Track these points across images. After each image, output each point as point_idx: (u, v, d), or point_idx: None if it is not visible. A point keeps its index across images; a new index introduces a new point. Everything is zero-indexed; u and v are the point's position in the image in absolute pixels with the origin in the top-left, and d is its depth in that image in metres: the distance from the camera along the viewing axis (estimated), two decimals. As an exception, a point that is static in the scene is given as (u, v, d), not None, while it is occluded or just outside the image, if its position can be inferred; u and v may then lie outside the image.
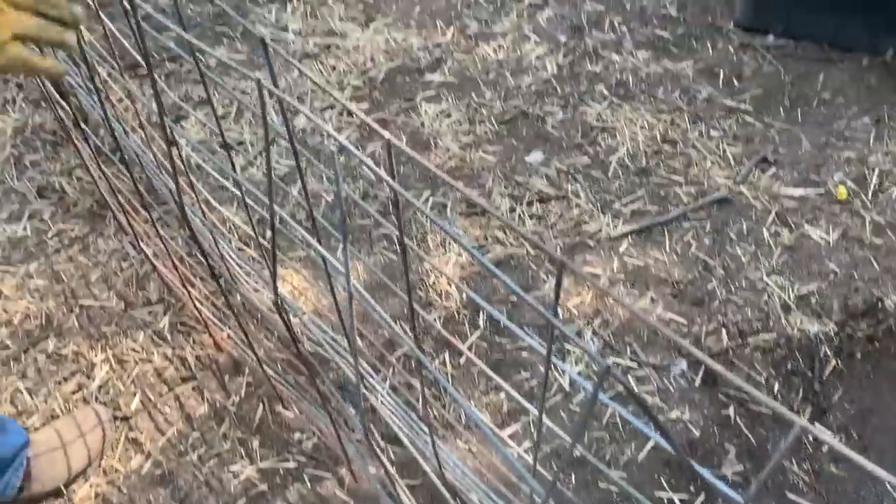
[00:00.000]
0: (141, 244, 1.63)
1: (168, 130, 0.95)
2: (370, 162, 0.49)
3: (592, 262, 1.86)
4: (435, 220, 0.47)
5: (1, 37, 0.77)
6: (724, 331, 1.72)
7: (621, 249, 1.89)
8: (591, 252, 1.88)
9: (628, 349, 1.68)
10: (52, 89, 2.09)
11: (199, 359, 1.66)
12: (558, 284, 0.70)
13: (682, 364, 1.66)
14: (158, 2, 2.57)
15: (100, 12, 1.00)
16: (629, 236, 1.91)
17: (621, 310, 1.77)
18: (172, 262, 1.76)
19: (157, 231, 1.46)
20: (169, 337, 1.69)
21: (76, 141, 1.72)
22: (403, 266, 0.63)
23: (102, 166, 1.98)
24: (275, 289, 1.08)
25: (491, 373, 0.63)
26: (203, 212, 1.30)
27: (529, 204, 1.98)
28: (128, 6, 0.88)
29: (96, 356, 1.65)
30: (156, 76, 0.84)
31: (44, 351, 1.67)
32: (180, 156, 1.14)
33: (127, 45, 1.11)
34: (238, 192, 1.52)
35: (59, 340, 1.69)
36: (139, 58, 0.92)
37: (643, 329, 1.72)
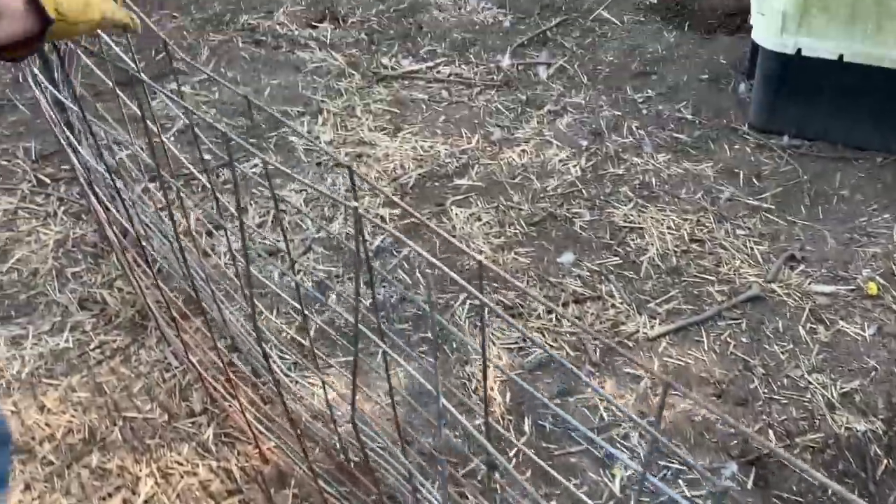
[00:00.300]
0: (186, 355, 1.65)
1: (233, 234, 0.98)
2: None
3: (632, 363, 1.87)
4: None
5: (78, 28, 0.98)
6: (770, 431, 1.71)
7: (660, 349, 1.90)
8: (631, 353, 1.89)
9: (677, 452, 1.67)
10: (95, 201, 2.15)
11: (245, 471, 1.64)
12: (661, 406, 0.72)
13: (733, 467, 1.64)
14: (205, 116, 2.68)
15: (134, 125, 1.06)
16: (667, 336, 1.92)
17: (667, 411, 1.76)
18: (224, 370, 1.77)
19: (212, 340, 1.47)
20: (214, 449, 1.68)
21: (118, 252, 1.77)
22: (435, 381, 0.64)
23: (142, 276, 2.02)
24: (353, 405, 1.09)
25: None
26: (254, 320, 1.33)
27: (565, 305, 2.01)
28: (152, 127, 0.95)
29: (141, 470, 1.64)
30: (202, 185, 0.88)
31: (87, 466, 1.66)
32: (239, 264, 1.17)
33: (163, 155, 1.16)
34: (284, 296, 1.55)
35: (102, 455, 1.68)
36: (158, 170, 0.98)
37: (690, 431, 1.71)
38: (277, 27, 3.27)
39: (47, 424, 1.74)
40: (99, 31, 1.06)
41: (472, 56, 3.08)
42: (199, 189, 2.44)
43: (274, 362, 1.72)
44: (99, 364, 1.88)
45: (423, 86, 2.95)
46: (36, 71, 1.95)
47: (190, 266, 1.85)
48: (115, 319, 1.99)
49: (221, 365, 1.81)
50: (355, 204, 0.81)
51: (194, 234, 2.21)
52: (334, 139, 2.62)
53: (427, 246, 2.22)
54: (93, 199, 2.13)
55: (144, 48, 3.03)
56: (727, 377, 1.82)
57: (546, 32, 3.21)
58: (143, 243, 1.91)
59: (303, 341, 1.93)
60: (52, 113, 2.05)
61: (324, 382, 1.27)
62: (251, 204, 2.35)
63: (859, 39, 2.32)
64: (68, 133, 2.08)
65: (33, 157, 2.51)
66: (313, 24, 3.32)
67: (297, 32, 3.25)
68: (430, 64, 3.04)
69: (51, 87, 1.99)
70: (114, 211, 2.14)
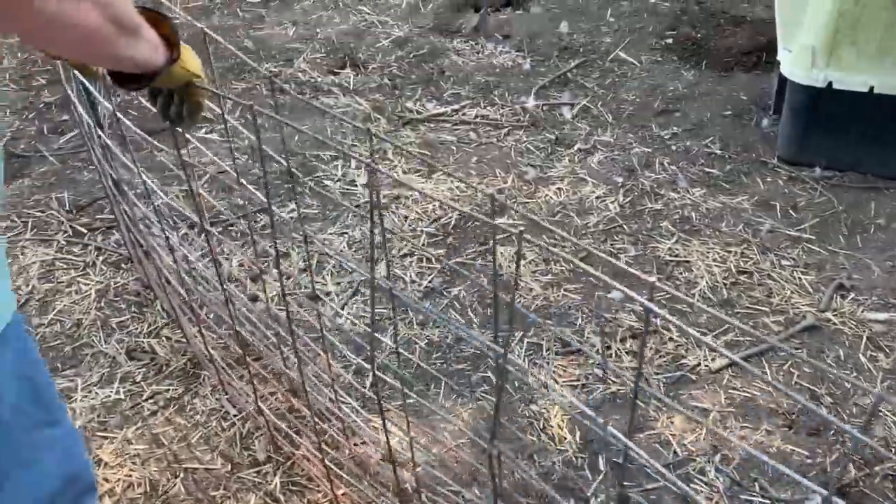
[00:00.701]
0: (256, 400, 1.61)
1: (316, 295, 0.96)
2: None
3: (698, 396, 1.85)
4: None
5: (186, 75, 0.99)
6: (847, 461, 1.68)
7: (724, 381, 1.88)
8: (695, 386, 1.87)
9: (756, 485, 1.64)
10: (139, 250, 2.12)
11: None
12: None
13: (817, 499, 1.61)
14: (236, 162, 2.67)
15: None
16: (729, 368, 1.91)
17: (739, 443, 1.73)
18: (297, 416, 1.73)
19: (274, 386, 1.44)
20: (282, 498, 1.63)
21: (163, 300, 1.73)
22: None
23: (192, 324, 1.98)
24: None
25: None
26: (329, 365, 1.30)
27: (623, 340, 1.99)
28: (183, 174, 0.94)
29: (208, 524, 1.58)
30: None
31: (152, 521, 1.60)
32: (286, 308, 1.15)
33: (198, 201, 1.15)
34: (334, 341, 1.50)
35: (166, 509, 1.62)
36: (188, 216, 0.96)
37: (766, 464, 1.68)
38: (299, 74, 3.30)
39: (106, 479, 1.68)
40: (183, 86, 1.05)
41: (496, 98, 3.12)
42: (238, 235, 2.42)
43: (343, 405, 1.68)
44: (153, 415, 1.83)
45: (450, 128, 2.96)
46: (86, 117, 1.94)
47: (239, 312, 1.82)
48: (165, 369, 1.94)
49: (283, 411, 1.76)
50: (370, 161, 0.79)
51: (239, 279, 2.18)
52: (370, 182, 2.61)
53: (475, 286, 2.20)
54: (137, 247, 2.10)
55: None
56: (795, 407, 1.81)
57: (566, 74, 3.25)
58: (187, 290, 1.88)
59: (360, 387, 1.89)
60: (98, 159, 2.04)
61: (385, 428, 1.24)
62: (293, 249, 2.33)
63: (889, 72, 2.36)
64: (112, 183, 2.06)
65: (67, 208, 2.48)
66: (334, 70, 3.35)
67: (319, 79, 3.27)
68: (456, 107, 3.07)
69: (101, 135, 1.98)
70: (157, 259, 2.12)
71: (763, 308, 2.08)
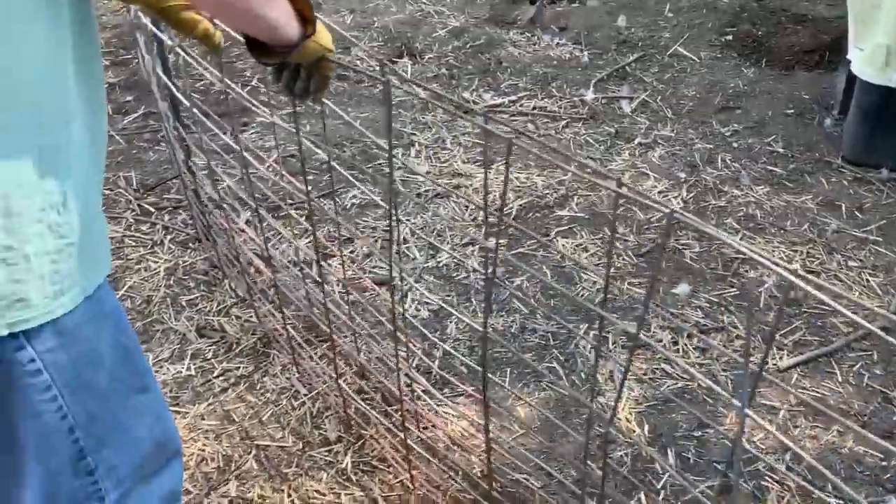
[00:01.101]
0: (337, 380, 1.63)
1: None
2: None
3: (767, 394, 1.83)
4: None
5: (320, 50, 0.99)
6: (922, 464, 1.67)
7: (792, 381, 1.87)
8: (764, 384, 1.86)
9: (829, 485, 1.63)
10: (210, 231, 2.15)
11: (389, 500, 1.61)
12: None
13: (893, 501, 1.60)
14: (287, 147, 2.70)
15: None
16: (798, 367, 1.89)
17: (811, 443, 1.72)
18: (344, 399, 1.75)
19: (345, 366, 1.45)
20: (354, 477, 1.65)
21: (231, 279, 1.75)
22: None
23: (261, 304, 2.01)
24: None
25: None
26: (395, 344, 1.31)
27: (690, 336, 1.98)
28: (247, 158, 0.95)
29: (282, 500, 1.61)
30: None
31: (226, 495, 1.63)
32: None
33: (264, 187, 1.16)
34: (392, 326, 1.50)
35: (240, 483, 1.65)
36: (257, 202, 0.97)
37: (839, 463, 1.67)
38: (357, 62, 3.32)
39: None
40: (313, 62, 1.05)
41: (554, 90, 3.11)
42: (304, 219, 2.44)
43: (415, 388, 1.69)
44: (224, 391, 1.86)
45: (507, 119, 2.96)
46: (164, 103, 1.97)
47: (305, 295, 1.84)
48: (235, 347, 1.97)
49: (352, 392, 1.78)
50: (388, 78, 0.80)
51: (305, 262, 2.20)
52: (430, 170, 2.63)
53: (535, 278, 2.20)
54: (207, 227, 2.14)
55: (233, 80, 3.07)
56: (867, 409, 1.79)
57: (625, 68, 3.23)
58: (257, 271, 1.91)
59: (432, 366, 1.91)
60: (173, 142, 2.07)
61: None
62: (358, 234, 2.35)
63: (965, 73, 2.32)
64: (183, 163, 2.09)
65: (135, 187, 2.53)
66: (392, 59, 3.36)
67: (377, 68, 3.29)
68: (513, 98, 3.07)
69: (173, 118, 2.01)
70: (229, 239, 2.15)
71: (830, 308, 2.06)
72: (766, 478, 1.65)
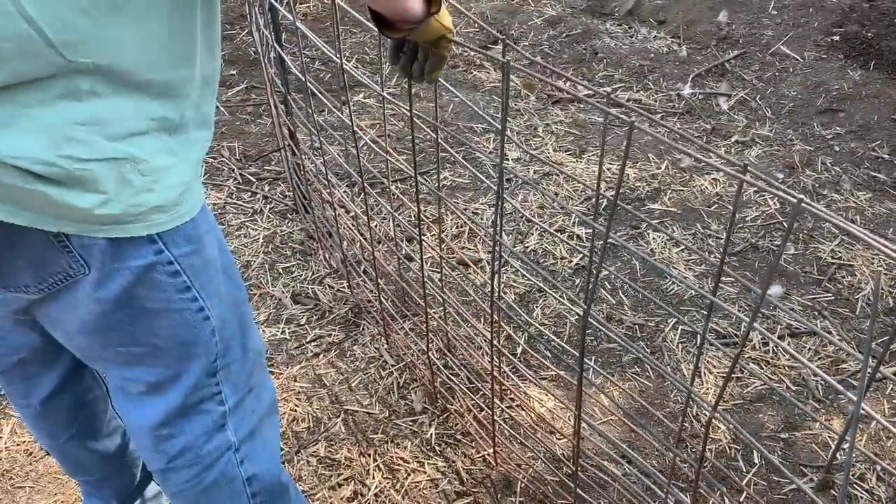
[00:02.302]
0: (428, 352, 1.67)
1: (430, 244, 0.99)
2: None
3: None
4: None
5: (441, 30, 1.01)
6: None
7: (888, 390, 1.82)
8: (856, 392, 1.81)
9: (922, 500, 1.59)
10: (309, 202, 2.23)
11: (471, 473, 1.65)
12: None
13: None
14: (394, 129, 2.75)
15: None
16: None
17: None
18: (432, 372, 1.79)
19: (428, 343, 1.49)
20: (437, 448, 1.70)
21: (325, 252, 1.82)
22: None
23: (356, 275, 2.07)
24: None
25: None
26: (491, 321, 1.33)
27: (781, 338, 1.95)
28: (351, 136, 0.97)
29: (368, 464, 1.67)
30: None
31: (315, 454, 1.70)
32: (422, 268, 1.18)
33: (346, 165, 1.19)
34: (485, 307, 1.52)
35: (329, 444, 1.72)
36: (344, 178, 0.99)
37: (933, 479, 1.62)
38: (452, 47, 3.35)
39: (273, 410, 1.79)
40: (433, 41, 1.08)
41: (650, 83, 3.08)
42: (393, 198, 2.50)
43: (503, 367, 1.72)
44: (316, 356, 1.94)
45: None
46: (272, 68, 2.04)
47: (395, 270, 1.89)
48: (328, 315, 2.05)
49: (440, 366, 1.83)
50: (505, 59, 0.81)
51: (395, 239, 2.26)
52: (521, 157, 2.65)
53: (626, 268, 2.20)
54: (306, 199, 2.21)
55: (328, 59, 3.16)
56: (967, 427, 1.73)
57: (724, 64, 3.17)
58: (352, 243, 1.96)
59: (513, 351, 1.94)
60: (279, 115, 2.15)
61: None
62: (447, 215, 2.39)
63: None
64: (288, 135, 2.17)
65: (237, 157, 2.64)
66: (487, 45, 3.38)
67: (472, 53, 3.32)
68: (608, 89, 3.05)
69: (282, 88, 2.09)
70: (326, 211, 2.21)
71: (933, 321, 1.99)
72: (856, 486, 1.62)
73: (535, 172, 2.57)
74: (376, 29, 1.02)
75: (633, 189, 2.50)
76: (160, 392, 0.96)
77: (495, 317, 1.54)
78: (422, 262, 1.57)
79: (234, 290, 0.99)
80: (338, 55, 1.46)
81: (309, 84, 1.73)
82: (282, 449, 1.71)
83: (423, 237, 1.54)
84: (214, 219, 0.99)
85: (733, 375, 1.87)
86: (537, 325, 1.99)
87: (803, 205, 0.85)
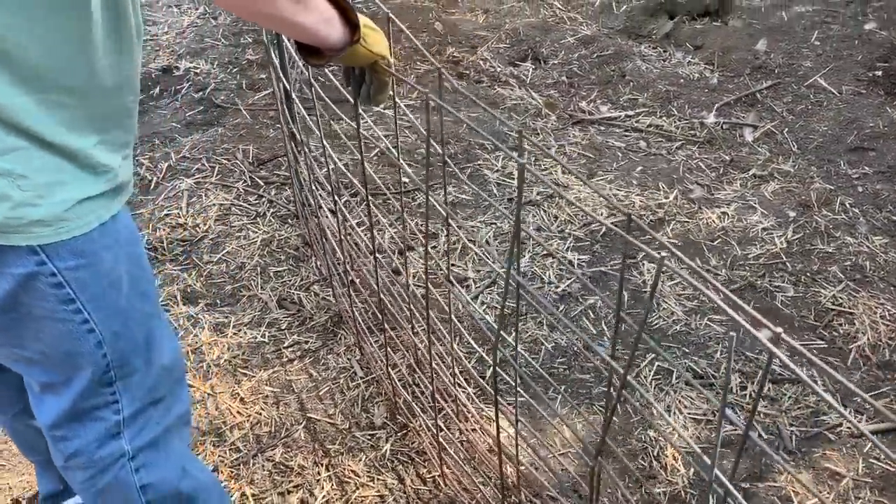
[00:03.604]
0: (387, 369, 1.69)
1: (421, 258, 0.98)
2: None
3: (833, 458, 1.72)
4: None
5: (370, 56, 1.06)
6: None
7: (865, 448, 1.74)
8: (832, 447, 1.74)
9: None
10: (304, 209, 2.26)
11: (419, 493, 1.65)
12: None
13: None
14: (404, 142, 2.78)
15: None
16: (876, 435, 1.76)
17: (870, 519, 1.60)
18: (394, 387, 1.80)
19: (395, 357, 1.50)
20: (391, 464, 1.71)
21: (317, 257, 1.84)
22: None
23: (338, 284, 2.10)
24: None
25: None
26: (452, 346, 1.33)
27: (762, 385, 1.88)
28: (356, 145, 0.97)
29: (320, 473, 1.69)
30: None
31: (271, 459, 1.73)
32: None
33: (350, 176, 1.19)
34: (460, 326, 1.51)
35: (286, 451, 1.74)
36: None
37: (898, 546, 1.55)
38: (480, 62, 3.36)
39: (239, 413, 1.84)
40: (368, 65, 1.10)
41: (674, 109, 3.02)
42: (394, 210, 2.52)
43: (461, 389, 1.72)
44: (291, 362, 1.97)
45: (620, 133, 2.91)
46: (282, 77, 2.09)
47: (382, 283, 1.91)
48: (308, 321, 2.08)
49: (405, 383, 1.83)
50: (523, 161, 0.79)
51: (388, 250, 2.28)
52: (527, 178, 2.63)
53: (614, 297, 2.17)
54: (305, 206, 2.25)
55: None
56: (946, 495, 1.64)
57: (755, 94, 3.08)
58: (341, 251, 1.99)
59: (479, 377, 1.93)
60: (285, 118, 2.20)
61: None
62: (442, 230, 2.40)
63: None
64: (292, 142, 2.21)
65: (250, 160, 2.70)
66: (515, 62, 3.38)
67: (498, 69, 3.32)
68: (630, 112, 3.01)
69: (289, 94, 2.13)
70: (319, 219, 2.25)
71: (929, 379, 1.89)
72: (812, 546, 1.55)
73: (538, 194, 2.56)
74: (300, 58, 1.05)
75: (637, 217, 2.45)
76: (53, 393, 1.00)
77: (457, 340, 1.54)
78: (407, 275, 1.58)
79: (142, 304, 1.02)
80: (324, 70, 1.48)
81: (315, 88, 1.76)
82: (240, 451, 1.74)
83: (409, 251, 1.55)
84: (132, 234, 1.02)
85: (703, 417, 1.82)
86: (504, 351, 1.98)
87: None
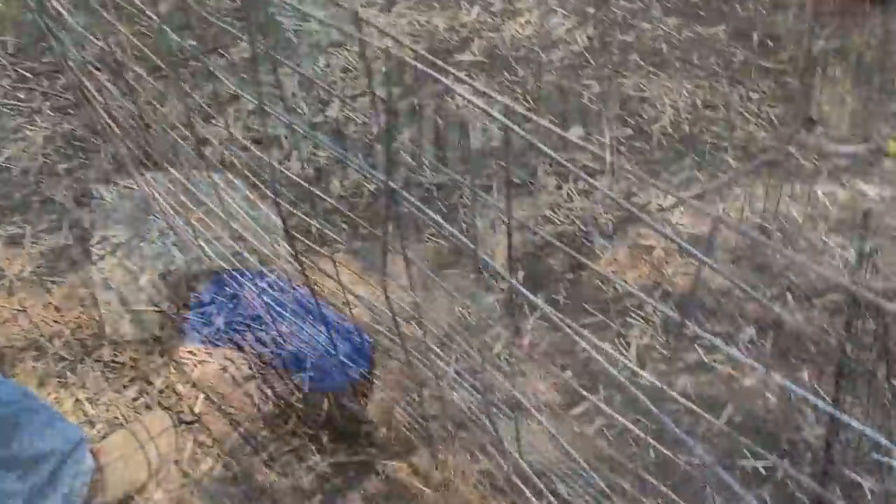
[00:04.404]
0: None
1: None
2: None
3: (646, 234, 1.83)
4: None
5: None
6: (788, 295, 1.69)
7: (674, 220, 1.86)
8: (643, 224, 1.84)
9: (693, 319, 1.65)
10: (88, 92, 2.05)
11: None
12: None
13: (751, 331, 1.63)
14: None
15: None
16: (680, 206, 1.87)
17: (681, 280, 1.74)
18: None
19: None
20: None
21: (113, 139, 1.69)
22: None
23: (137, 173, 1.95)
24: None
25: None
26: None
27: (576, 180, 1.95)
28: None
29: (154, 360, 1.63)
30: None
31: (100, 360, 1.65)
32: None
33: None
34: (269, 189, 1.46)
35: (114, 348, 1.66)
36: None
37: (707, 298, 1.69)
38: None
39: (55, 321, 1.72)
40: None
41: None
42: (191, 76, 2.33)
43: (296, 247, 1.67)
44: (102, 259, 1.84)
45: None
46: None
47: (189, 155, 1.78)
48: (113, 214, 1.93)
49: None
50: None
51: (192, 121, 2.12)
52: (326, 17, 2.48)
53: (430, 122, 2.14)
54: (82, 89, 2.03)
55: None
56: (744, 242, 1.78)
57: None
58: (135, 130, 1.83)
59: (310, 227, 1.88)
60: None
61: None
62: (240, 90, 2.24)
63: None
64: (50, 22, 1.95)
65: (10, 51, 2.39)
66: None
67: None
68: None
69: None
70: (104, 102, 2.05)
71: (723, 143, 2.01)
72: (632, 314, 1.67)
73: (339, 33, 2.42)
74: None
75: (441, 41, 2.38)
76: None
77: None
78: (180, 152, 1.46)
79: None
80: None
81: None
82: (64, 359, 1.65)
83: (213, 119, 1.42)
84: None
85: (528, 222, 1.87)
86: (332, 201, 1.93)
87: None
